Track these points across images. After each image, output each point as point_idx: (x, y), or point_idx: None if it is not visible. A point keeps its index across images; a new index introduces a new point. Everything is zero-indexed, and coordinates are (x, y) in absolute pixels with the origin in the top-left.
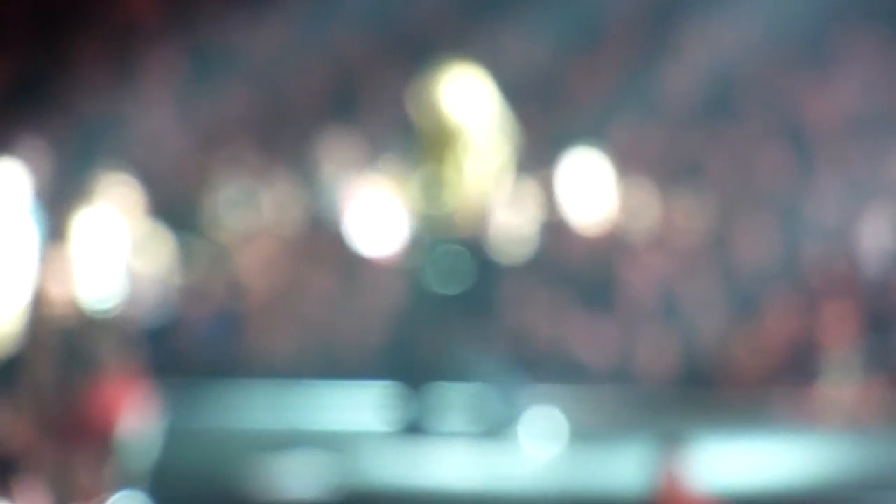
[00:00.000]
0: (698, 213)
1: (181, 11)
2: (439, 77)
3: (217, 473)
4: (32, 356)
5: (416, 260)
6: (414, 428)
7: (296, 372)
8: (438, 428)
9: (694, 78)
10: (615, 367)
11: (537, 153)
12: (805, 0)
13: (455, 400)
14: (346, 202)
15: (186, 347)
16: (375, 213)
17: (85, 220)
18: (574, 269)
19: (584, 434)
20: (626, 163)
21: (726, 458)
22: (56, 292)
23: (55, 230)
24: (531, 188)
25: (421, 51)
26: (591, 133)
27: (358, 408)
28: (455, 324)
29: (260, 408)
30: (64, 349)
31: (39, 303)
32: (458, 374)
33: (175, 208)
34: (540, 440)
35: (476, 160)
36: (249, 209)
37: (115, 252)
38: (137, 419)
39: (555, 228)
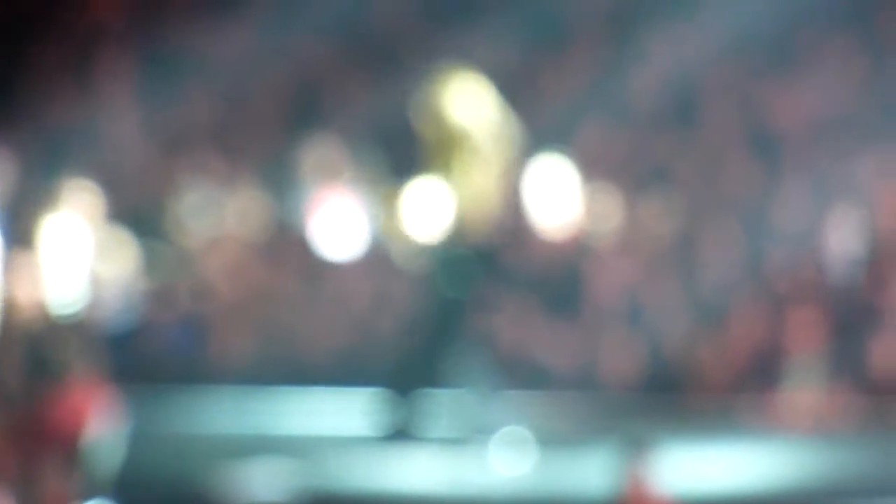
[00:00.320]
0: (664, 217)
1: (144, 18)
2: (442, 84)
3: (183, 479)
4: None
5: (425, 266)
6: (400, 433)
7: (261, 377)
8: (421, 433)
9: (660, 83)
10: (580, 373)
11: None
12: (771, 5)
13: (438, 405)
14: (311, 208)
15: (151, 353)
16: (340, 219)
17: (49, 227)
18: (539, 274)
19: (550, 440)
20: (592, 167)
21: (692, 463)
22: (22, 298)
23: (20, 237)
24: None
25: (386, 56)
26: (557, 137)
27: (323, 413)
28: (461, 329)
29: (225, 413)
30: (29, 355)
31: (5, 309)
32: (447, 379)
33: (139, 214)
34: (508, 446)
35: (482, 166)
36: (214, 214)
37: (79, 258)
38: (103, 425)
39: (519, 233)
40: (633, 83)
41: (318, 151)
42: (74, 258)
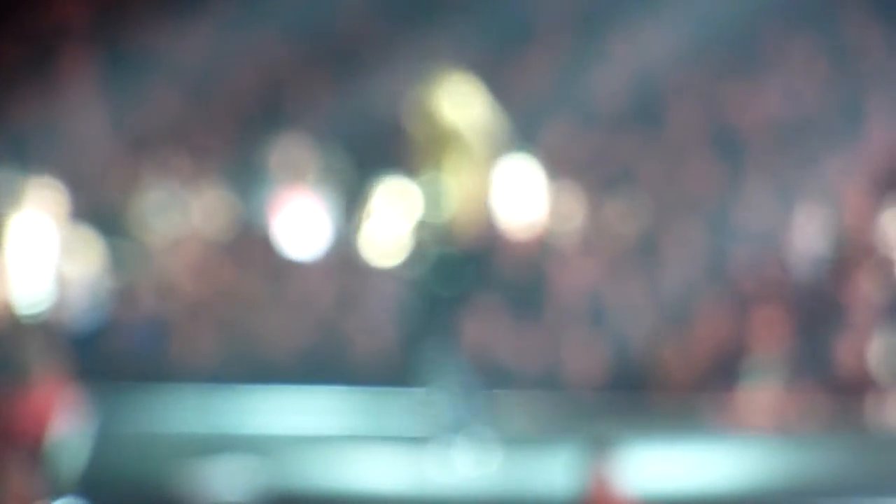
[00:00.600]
0: (628, 217)
1: (109, 17)
2: (433, 84)
3: (147, 478)
4: None
5: (416, 266)
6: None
7: (224, 376)
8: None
9: (624, 83)
10: (544, 372)
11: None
12: (734, 7)
13: (410, 403)
14: (276, 207)
15: (116, 352)
16: (304, 218)
17: (14, 226)
18: (503, 274)
19: (514, 439)
20: (556, 167)
21: (655, 462)
22: None
23: None
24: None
25: (350, 55)
26: (521, 137)
27: (287, 412)
28: (449, 328)
29: (189, 412)
30: None
31: None
32: (422, 377)
33: (104, 212)
34: (473, 446)
35: (472, 166)
36: (178, 213)
37: (44, 257)
38: (67, 424)
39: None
40: (597, 83)
41: (282, 151)
42: (39, 257)
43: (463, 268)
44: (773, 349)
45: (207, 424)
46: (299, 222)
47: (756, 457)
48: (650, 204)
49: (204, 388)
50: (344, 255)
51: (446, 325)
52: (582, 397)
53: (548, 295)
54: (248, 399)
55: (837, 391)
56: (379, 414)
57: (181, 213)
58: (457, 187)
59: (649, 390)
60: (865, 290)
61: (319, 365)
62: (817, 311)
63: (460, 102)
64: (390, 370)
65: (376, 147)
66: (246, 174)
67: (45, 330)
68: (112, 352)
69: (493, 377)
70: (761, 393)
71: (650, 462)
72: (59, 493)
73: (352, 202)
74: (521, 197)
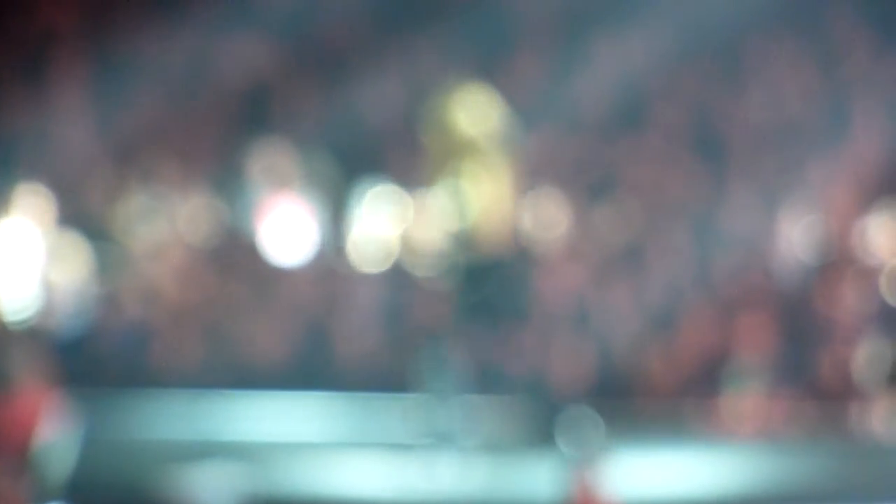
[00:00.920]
0: (613, 223)
1: (95, 23)
2: (454, 95)
3: (133, 483)
4: None
5: (443, 274)
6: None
7: (209, 382)
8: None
9: (608, 89)
10: (530, 378)
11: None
12: (718, 12)
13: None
14: (261, 213)
15: (101, 357)
16: (290, 224)
17: (0, 232)
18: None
19: (499, 445)
20: (541, 173)
21: (640, 468)
22: None
23: None
24: (443, 200)
25: (335, 62)
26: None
27: (271, 418)
28: (479, 333)
29: (174, 418)
30: None
31: None
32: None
33: (90, 218)
34: (458, 451)
35: (492, 175)
36: (163, 219)
37: (30, 263)
38: (54, 430)
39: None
40: (582, 90)
41: (267, 156)
42: (25, 263)
43: (488, 274)
44: (757, 355)
45: (192, 430)
46: (285, 228)
47: (740, 463)
48: (635, 210)
49: (189, 393)
50: (329, 261)
51: (477, 329)
52: (567, 403)
53: (534, 301)
54: (232, 405)
55: (821, 398)
56: (364, 420)
57: (166, 219)
58: (478, 195)
59: (634, 396)
60: (850, 296)
61: (304, 371)
62: (801, 317)
63: (477, 112)
64: (375, 376)
65: (362, 153)
66: (231, 180)
67: (30, 336)
68: (97, 357)
69: (479, 382)
70: (745, 399)
71: (635, 468)
72: (45, 499)
73: (337, 208)
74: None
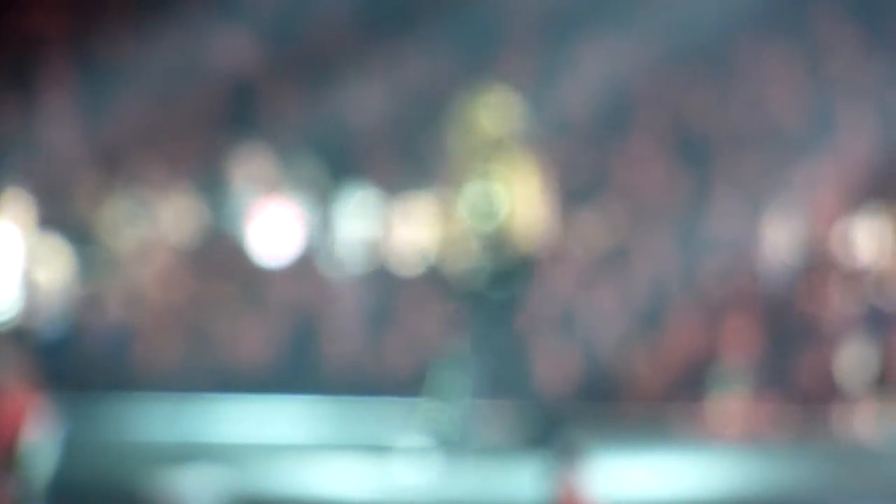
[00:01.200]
0: (599, 226)
1: (81, 26)
2: (482, 97)
3: (115, 485)
4: None
5: (470, 274)
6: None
7: (192, 385)
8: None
9: (593, 92)
10: (515, 380)
11: (438, 168)
12: (704, 16)
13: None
14: (247, 215)
15: (85, 359)
16: (276, 227)
17: None
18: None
19: (484, 447)
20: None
21: (625, 471)
22: None
23: None
24: (430, 203)
25: (320, 66)
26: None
27: (254, 420)
28: (505, 336)
29: (157, 420)
30: None
31: None
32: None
33: (74, 220)
34: (442, 454)
35: (520, 176)
36: (147, 221)
37: (13, 265)
38: (37, 432)
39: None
40: (567, 93)
41: (252, 160)
42: (8, 265)
43: (516, 275)
44: (742, 358)
45: (176, 433)
46: (269, 230)
47: (725, 466)
48: (621, 213)
49: (172, 396)
50: (313, 264)
51: (504, 332)
52: (553, 406)
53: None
54: (216, 407)
55: (806, 401)
56: (347, 423)
57: (150, 221)
58: (508, 196)
59: (619, 399)
60: (834, 299)
61: (288, 374)
62: (786, 320)
63: (502, 112)
64: (360, 379)
65: (347, 156)
66: (216, 182)
67: (14, 337)
68: (81, 359)
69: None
70: (730, 402)
71: (620, 471)
72: (29, 501)
73: (322, 210)
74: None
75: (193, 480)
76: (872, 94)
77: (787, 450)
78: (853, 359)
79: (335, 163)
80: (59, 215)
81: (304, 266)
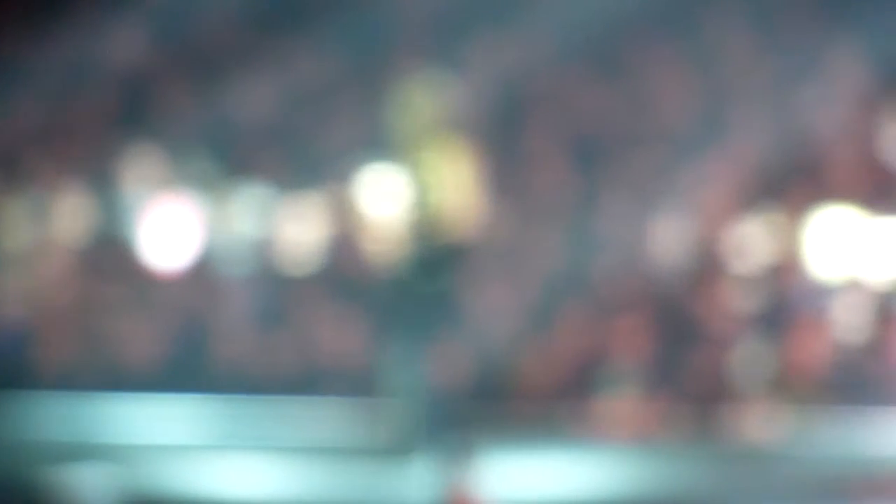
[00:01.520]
0: (490, 225)
1: None
2: (418, 85)
3: (7, 484)
4: None
5: (399, 261)
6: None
7: (85, 384)
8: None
9: (484, 91)
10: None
11: (327, 167)
12: (593, 15)
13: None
14: (139, 215)
15: None
16: (169, 228)
17: None
18: (363, 282)
19: (374, 447)
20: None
21: (515, 470)
22: None
23: None
24: (320, 202)
25: (212, 64)
26: (383, 147)
27: (147, 420)
28: (434, 326)
29: (51, 420)
30: None
31: None
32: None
33: None
34: (335, 454)
35: (454, 165)
36: (40, 221)
37: None
38: None
39: (344, 241)
40: (458, 92)
41: (145, 158)
42: None
43: (446, 264)
44: (632, 358)
45: (68, 432)
46: (162, 230)
47: (615, 465)
48: (513, 212)
49: (64, 395)
50: (204, 263)
51: (432, 322)
52: (443, 405)
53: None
54: (108, 407)
55: (696, 401)
56: (238, 423)
57: (43, 221)
58: (439, 182)
59: (509, 398)
60: (724, 299)
61: (179, 373)
62: (676, 320)
63: (441, 103)
64: (250, 378)
65: (240, 155)
66: (108, 181)
67: None
68: None
69: (353, 384)
70: (621, 402)
71: (510, 470)
72: None
73: (214, 209)
74: (386, 206)
75: (86, 480)
76: (763, 95)
77: (677, 450)
78: (745, 359)
79: (227, 161)
80: None
81: (195, 265)
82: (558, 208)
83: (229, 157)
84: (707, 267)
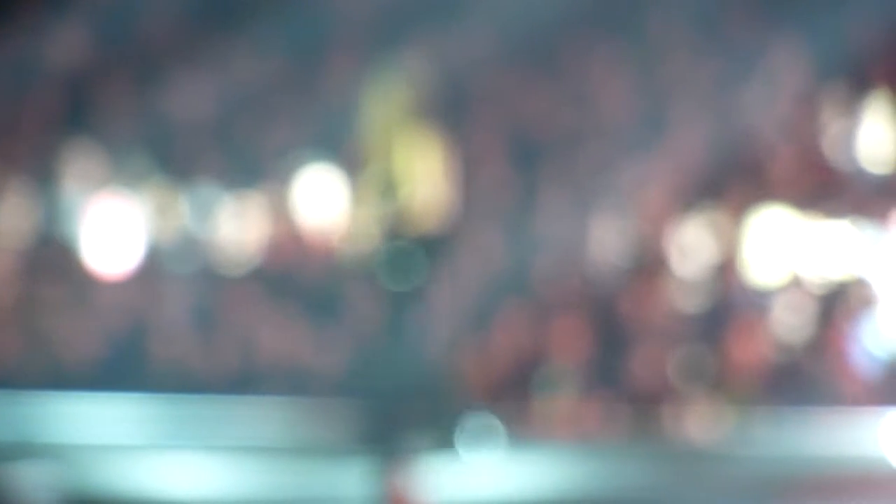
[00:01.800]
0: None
1: None
2: (384, 80)
3: None
4: None
5: (367, 257)
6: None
7: (25, 383)
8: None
9: (423, 91)
10: (343, 380)
11: (268, 167)
12: (533, 13)
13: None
14: (80, 215)
15: None
16: (111, 228)
17: None
18: (303, 281)
19: (311, 448)
20: (355, 175)
21: (454, 471)
22: None
23: None
24: (261, 201)
25: (152, 63)
26: (324, 145)
27: (87, 419)
28: (405, 323)
29: None
30: None
31: None
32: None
33: None
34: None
35: (420, 160)
36: None
37: None
38: None
39: (284, 241)
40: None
41: (86, 157)
42: None
43: (416, 259)
44: (572, 359)
45: (8, 431)
46: (102, 229)
47: (555, 465)
48: (450, 211)
49: (7, 395)
50: (146, 263)
51: (403, 319)
52: (381, 406)
53: (349, 303)
54: (49, 406)
55: (637, 402)
56: (179, 422)
57: None
58: (409, 175)
59: (447, 399)
60: (665, 300)
61: (120, 372)
62: (616, 321)
63: (405, 95)
64: (191, 377)
65: (180, 153)
66: (49, 181)
67: None
68: None
69: (291, 384)
70: (560, 402)
71: (448, 471)
72: None
73: (156, 209)
74: (324, 206)
75: (28, 478)
76: (704, 95)
77: (618, 450)
78: (684, 360)
79: (168, 161)
80: None
81: (137, 264)
82: (497, 207)
83: (170, 157)
84: (647, 266)
